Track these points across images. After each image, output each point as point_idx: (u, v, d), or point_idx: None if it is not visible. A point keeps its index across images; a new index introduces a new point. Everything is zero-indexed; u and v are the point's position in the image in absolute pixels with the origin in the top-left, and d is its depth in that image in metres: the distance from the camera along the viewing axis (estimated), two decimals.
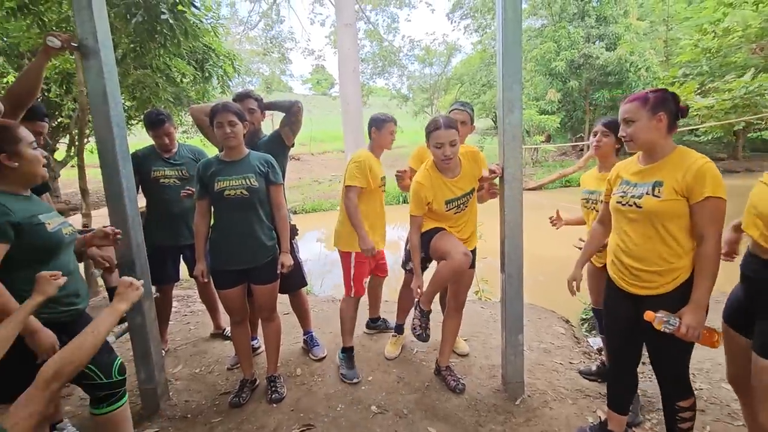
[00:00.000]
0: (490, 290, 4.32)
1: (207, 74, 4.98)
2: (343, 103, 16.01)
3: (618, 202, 1.64)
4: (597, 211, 2.07)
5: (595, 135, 2.18)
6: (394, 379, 2.53)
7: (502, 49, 2.04)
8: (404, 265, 2.80)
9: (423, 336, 2.31)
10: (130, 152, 2.20)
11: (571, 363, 2.72)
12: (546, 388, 2.40)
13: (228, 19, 19.68)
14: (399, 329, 2.92)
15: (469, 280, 2.48)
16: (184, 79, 5.25)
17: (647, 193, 1.53)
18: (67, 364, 1.16)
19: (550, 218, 2.51)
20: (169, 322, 3.15)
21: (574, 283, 1.97)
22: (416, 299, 2.34)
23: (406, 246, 2.77)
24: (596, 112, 17.38)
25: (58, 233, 1.52)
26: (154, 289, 2.22)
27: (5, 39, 5.43)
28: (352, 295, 2.64)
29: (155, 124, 2.67)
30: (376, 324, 3.19)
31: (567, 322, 3.48)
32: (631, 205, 1.58)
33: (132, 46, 3.56)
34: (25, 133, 1.48)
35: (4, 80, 5.09)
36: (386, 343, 2.93)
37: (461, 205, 2.26)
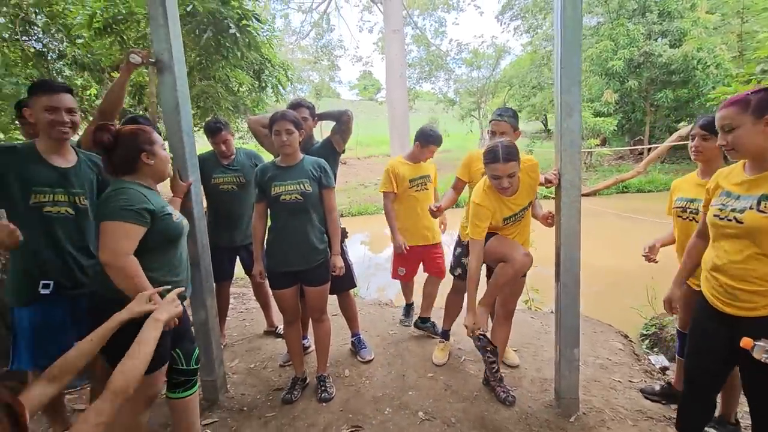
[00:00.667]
0: (541, 300, 4.17)
1: (263, 84, 5.24)
2: (390, 108, 16.16)
3: (715, 216, 1.46)
4: (697, 221, 1.86)
5: (692, 139, 1.97)
6: (441, 387, 2.51)
7: (560, 50, 1.98)
8: (452, 270, 2.78)
9: (504, 395, 2.33)
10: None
11: (630, 381, 2.56)
12: (603, 406, 2.28)
13: (282, 31, 20.55)
14: (445, 335, 2.90)
15: (520, 288, 2.42)
16: (241, 89, 5.56)
17: (751, 208, 1.35)
18: (131, 379, 1.21)
19: (645, 256, 2.22)
20: (226, 318, 3.33)
21: (672, 303, 1.82)
22: (472, 336, 2.21)
23: (454, 251, 2.77)
24: (658, 114, 16.25)
25: (181, 224, 1.72)
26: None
27: (89, 56, 6.01)
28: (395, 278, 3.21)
29: (214, 132, 2.85)
30: (425, 324, 3.20)
31: (626, 337, 3.28)
32: (730, 220, 1.40)
33: (198, 59, 3.81)
34: (158, 136, 1.69)
35: (87, 93, 5.65)
36: (433, 348, 2.92)
37: (518, 218, 2.24)
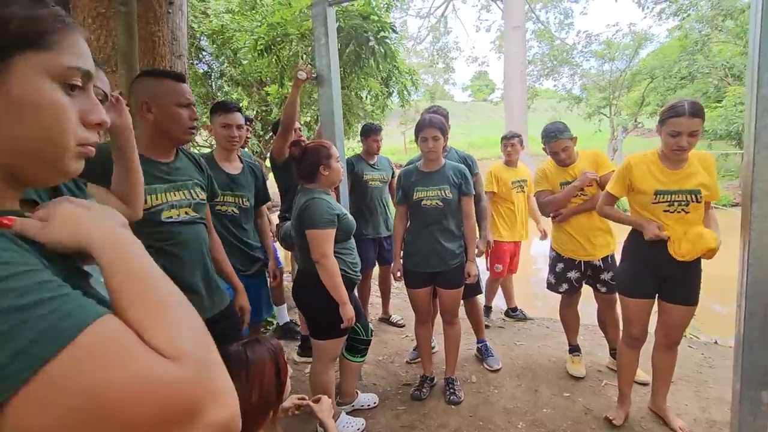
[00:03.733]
0: (699, 328, 3.56)
1: (390, 91, 5.48)
2: (507, 108, 15.51)
3: None
4: None
5: None
6: (580, 409, 2.32)
7: (758, 32, 1.67)
8: (555, 287, 2.68)
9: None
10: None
11: None
12: None
13: (401, 37, 21.26)
14: (574, 349, 2.76)
15: (687, 319, 2.08)
16: (369, 96, 5.91)
17: None
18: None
19: None
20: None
21: None
22: None
23: (554, 266, 2.66)
24: None
25: (353, 221, 2.08)
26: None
27: (243, 74, 7.00)
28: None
29: (377, 131, 3.26)
30: (515, 313, 3.66)
31: None
32: None
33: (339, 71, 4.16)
34: (335, 151, 2.02)
35: (241, 104, 6.60)
36: (564, 365, 2.73)
37: (678, 204, 1.92)
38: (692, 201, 1.90)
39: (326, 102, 2.40)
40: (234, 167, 2.25)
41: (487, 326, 3.31)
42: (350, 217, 2.09)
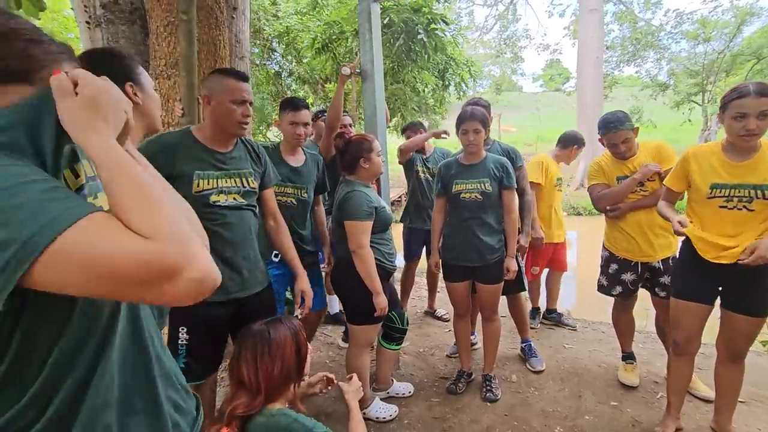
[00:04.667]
0: None
1: (446, 83, 5.42)
2: (580, 97, 14.52)
3: None
4: None
5: None
6: (627, 420, 2.17)
7: None
8: (608, 290, 2.48)
9: None
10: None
11: None
12: None
13: (466, 28, 20.75)
14: (628, 357, 2.58)
15: (757, 330, 1.85)
16: (425, 89, 5.89)
17: None
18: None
19: None
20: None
21: None
22: None
23: (606, 268, 2.47)
24: None
25: (391, 214, 2.17)
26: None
27: (309, 72, 7.31)
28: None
29: (408, 128, 3.30)
30: (551, 315, 3.44)
31: None
32: None
33: (391, 65, 4.21)
34: (377, 144, 2.13)
35: (308, 100, 6.92)
36: (616, 373, 2.55)
37: (739, 200, 1.70)
38: (758, 197, 1.68)
39: (369, 96, 2.46)
40: (297, 160, 2.35)
41: (532, 328, 3.20)
42: (388, 209, 2.16)
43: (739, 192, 1.71)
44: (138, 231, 0.53)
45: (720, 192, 1.74)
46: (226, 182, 1.59)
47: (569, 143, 3.24)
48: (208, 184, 1.55)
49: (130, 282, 0.51)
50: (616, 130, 2.28)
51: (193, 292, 0.54)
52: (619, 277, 2.41)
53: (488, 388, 2.43)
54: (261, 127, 9.92)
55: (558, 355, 2.90)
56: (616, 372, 2.59)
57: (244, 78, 1.59)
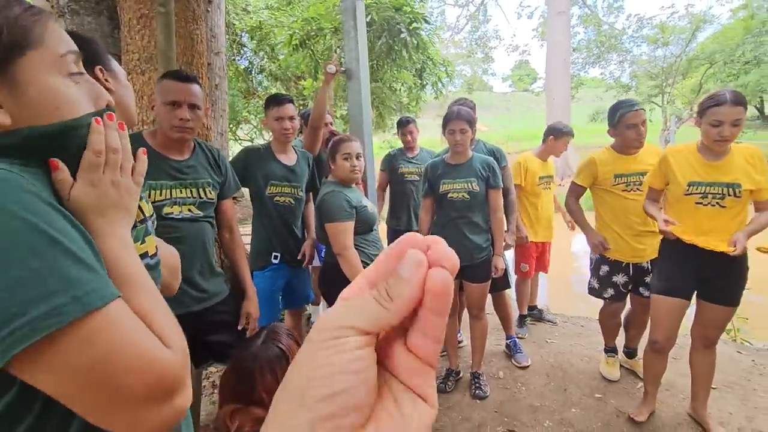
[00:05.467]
0: (752, 331, 3.32)
1: (424, 82, 5.44)
2: (548, 97, 14.92)
3: None
4: None
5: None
6: (612, 411, 2.24)
7: None
8: (599, 292, 2.47)
9: None
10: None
11: None
12: None
13: (439, 27, 20.94)
14: (611, 350, 2.62)
15: (723, 320, 1.94)
16: (401, 88, 5.89)
17: None
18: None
19: None
20: None
21: None
22: None
23: (596, 270, 2.45)
24: None
25: (374, 213, 2.11)
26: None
27: (281, 69, 7.15)
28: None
29: (401, 124, 3.25)
30: (533, 312, 3.48)
31: None
32: None
33: (371, 64, 4.18)
34: (347, 147, 2.04)
35: None
36: (598, 366, 2.63)
37: (714, 197, 1.80)
38: (729, 195, 1.79)
39: (355, 95, 2.42)
40: (289, 158, 2.28)
41: (520, 337, 3.07)
42: (370, 209, 2.11)
43: (714, 190, 1.81)
44: (159, 336, 0.46)
45: (696, 189, 1.83)
46: (181, 192, 1.49)
47: (545, 136, 3.16)
48: (161, 195, 1.45)
49: (130, 393, 0.42)
50: (635, 108, 2.20)
51: (171, 422, 0.45)
52: (611, 279, 2.38)
53: (477, 385, 2.45)
54: (231, 125, 9.65)
55: (542, 350, 2.97)
56: (598, 365, 2.66)
57: (184, 78, 1.48)
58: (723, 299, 1.88)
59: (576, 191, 2.48)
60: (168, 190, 1.46)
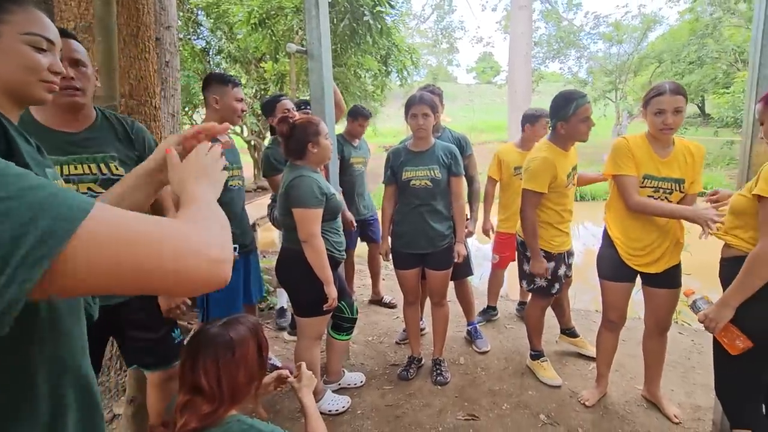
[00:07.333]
0: (692, 314, 3.55)
1: (389, 69, 5.36)
2: (511, 90, 15.22)
3: None
4: None
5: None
6: (566, 392, 2.33)
7: (765, 5, 1.59)
8: (543, 291, 2.34)
9: None
10: None
11: None
12: None
13: (405, 14, 20.77)
14: (540, 354, 2.52)
15: (674, 303, 2.06)
16: (366, 75, 5.78)
17: None
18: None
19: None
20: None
21: None
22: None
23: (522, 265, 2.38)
24: None
25: (341, 201, 2.08)
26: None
27: (241, 50, 6.81)
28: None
29: (362, 115, 3.21)
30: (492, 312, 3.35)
31: None
32: None
33: (334, 47, 4.05)
34: (324, 127, 1.99)
35: (241, 81, 6.49)
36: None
37: (662, 191, 1.90)
38: (676, 190, 1.90)
39: (316, 77, 2.33)
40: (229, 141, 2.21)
41: (480, 323, 3.06)
42: (338, 196, 2.08)
43: (664, 185, 1.90)
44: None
45: (650, 183, 1.91)
46: (76, 169, 1.29)
47: (522, 126, 3.00)
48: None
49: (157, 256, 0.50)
50: (586, 102, 2.06)
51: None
52: (557, 273, 2.31)
53: (438, 371, 2.47)
54: (187, 108, 9.15)
55: (500, 335, 3.04)
56: (554, 347, 2.76)
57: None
58: (666, 282, 1.99)
59: (534, 201, 2.17)
60: (58, 167, 1.24)
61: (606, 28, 19.10)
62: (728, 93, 14.68)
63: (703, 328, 1.60)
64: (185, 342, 1.23)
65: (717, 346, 1.54)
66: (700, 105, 20.00)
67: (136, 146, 1.45)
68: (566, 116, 2.07)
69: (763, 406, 1.57)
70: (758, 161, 1.65)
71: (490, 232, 3.11)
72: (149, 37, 2.31)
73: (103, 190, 1.31)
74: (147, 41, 2.27)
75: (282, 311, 3.32)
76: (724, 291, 1.50)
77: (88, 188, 1.32)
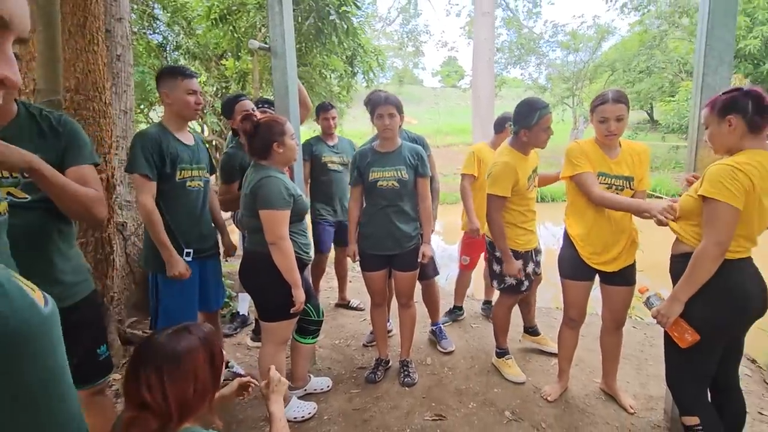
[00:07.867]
0: (645, 309, 3.75)
1: (355, 70, 5.33)
2: (474, 95, 15.55)
3: None
4: None
5: None
6: (530, 389, 2.38)
7: (707, 22, 1.70)
8: (513, 290, 2.37)
9: None
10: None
11: (761, 414, 2.20)
12: None
13: (371, 16, 20.79)
14: (506, 352, 2.55)
15: (627, 299, 2.16)
16: (332, 75, 5.72)
17: None
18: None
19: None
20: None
21: None
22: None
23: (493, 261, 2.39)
24: None
25: (308, 202, 2.06)
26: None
27: (200, 46, 6.57)
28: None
29: (327, 108, 3.15)
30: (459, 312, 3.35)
31: (753, 362, 2.83)
32: None
33: (298, 46, 3.98)
34: (290, 127, 1.92)
35: (200, 78, 6.24)
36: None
37: (614, 188, 2.00)
38: (627, 187, 2.01)
39: (280, 76, 2.27)
40: (189, 138, 2.04)
41: (445, 323, 3.09)
42: (305, 198, 2.03)
43: (617, 182, 2.01)
44: None
45: (604, 180, 2.00)
46: None
47: (500, 127, 2.97)
48: None
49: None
50: (548, 111, 2.14)
51: None
52: (525, 271, 2.36)
53: (406, 373, 2.46)
54: (142, 106, 8.72)
55: (466, 334, 3.08)
56: (517, 344, 2.82)
57: None
58: (622, 280, 2.08)
59: (498, 204, 2.21)
60: None
61: (564, 36, 19.98)
62: (674, 101, 15.71)
63: (656, 323, 1.68)
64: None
65: (668, 339, 1.62)
66: (649, 112, 21.26)
67: (58, 138, 1.31)
68: (529, 125, 2.14)
69: (708, 394, 1.67)
70: (703, 164, 1.75)
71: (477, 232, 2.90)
72: (98, 28, 2.17)
73: (27, 195, 1.21)
74: (95, 32, 2.13)
75: (234, 316, 3.21)
76: (674, 285, 1.59)
77: (8, 193, 1.20)
